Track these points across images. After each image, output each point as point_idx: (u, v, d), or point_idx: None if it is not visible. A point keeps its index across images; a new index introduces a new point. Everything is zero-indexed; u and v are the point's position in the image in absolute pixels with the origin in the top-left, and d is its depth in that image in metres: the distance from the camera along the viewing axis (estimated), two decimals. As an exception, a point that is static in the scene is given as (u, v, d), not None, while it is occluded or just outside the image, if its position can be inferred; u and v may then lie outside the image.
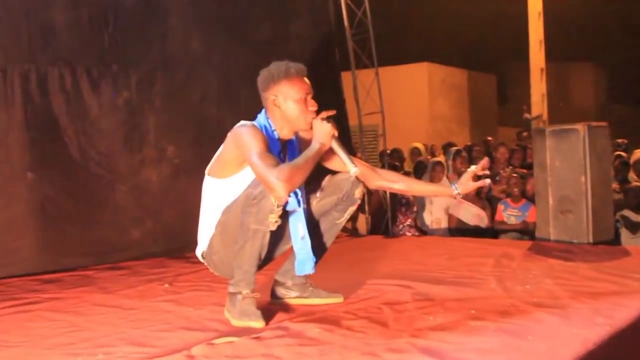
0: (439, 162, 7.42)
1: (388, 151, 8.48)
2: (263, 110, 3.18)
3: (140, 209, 5.37)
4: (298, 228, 3.17)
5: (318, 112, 3.09)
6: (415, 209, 6.90)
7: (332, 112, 3.04)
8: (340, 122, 7.29)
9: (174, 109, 5.60)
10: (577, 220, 5.39)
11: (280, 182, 2.76)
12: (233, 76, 5.97)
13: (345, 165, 3.06)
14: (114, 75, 5.27)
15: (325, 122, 2.99)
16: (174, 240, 5.42)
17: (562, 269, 4.25)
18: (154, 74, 5.50)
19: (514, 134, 14.77)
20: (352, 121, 7.68)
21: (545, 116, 13.42)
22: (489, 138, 11.58)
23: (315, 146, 2.95)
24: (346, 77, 7.71)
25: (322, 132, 2.98)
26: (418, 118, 15.54)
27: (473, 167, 3.21)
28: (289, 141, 3.20)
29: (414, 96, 15.57)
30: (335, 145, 3.01)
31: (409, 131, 14.37)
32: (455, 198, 3.27)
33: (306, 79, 3.13)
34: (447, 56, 17.06)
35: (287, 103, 3.09)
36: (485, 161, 3.24)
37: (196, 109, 5.77)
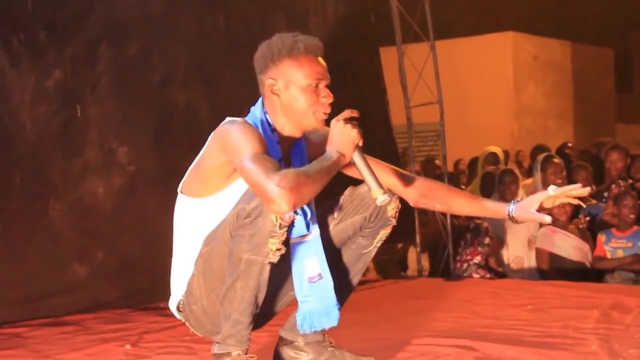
0: (509, 171, 7.47)
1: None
2: (259, 101, 3.28)
3: (85, 235, 5.52)
4: (304, 265, 3.25)
5: (336, 108, 3.16)
6: (487, 240, 6.94)
7: (356, 113, 3.12)
8: (379, 119, 7.45)
9: (125, 94, 5.73)
10: None
11: (282, 190, 2.80)
12: (211, 49, 6.10)
13: (369, 188, 3.12)
14: (41, 47, 5.38)
15: (348, 125, 3.07)
16: (137, 281, 5.57)
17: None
18: (97, 46, 5.62)
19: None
20: (397, 117, 7.76)
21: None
22: (606, 140, 11.52)
23: (332, 155, 3.03)
24: (388, 54, 7.82)
25: (344, 140, 3.06)
26: (498, 111, 15.57)
27: (552, 188, 3.24)
28: (295, 144, 3.30)
29: (493, 80, 15.61)
30: (358, 159, 3.10)
31: (485, 131, 14.39)
32: (512, 221, 3.31)
33: (321, 60, 3.23)
34: (541, 22, 17.07)
35: (290, 91, 3.18)
36: (576, 187, 3.24)
37: (157, 94, 5.89)
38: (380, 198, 3.06)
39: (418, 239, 7.32)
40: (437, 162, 9.76)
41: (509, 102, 15.85)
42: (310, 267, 3.27)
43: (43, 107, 5.39)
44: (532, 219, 3.29)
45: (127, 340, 4.44)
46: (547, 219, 3.24)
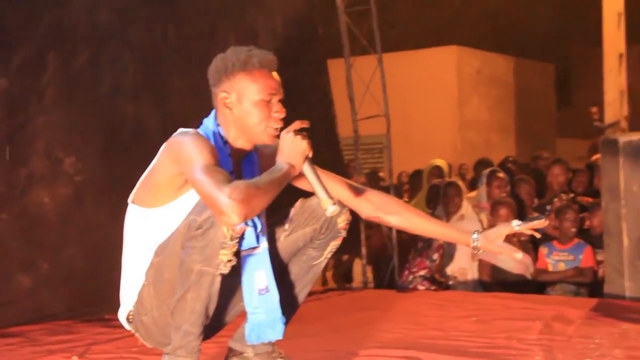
0: (452, 184, 7.57)
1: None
2: (212, 113, 3.30)
3: (30, 246, 5.51)
4: (254, 277, 3.28)
5: (285, 122, 3.20)
6: (436, 257, 7.00)
7: (306, 124, 3.15)
8: (326, 132, 7.53)
9: (73, 104, 5.73)
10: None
11: (233, 202, 2.84)
12: (160, 59, 6.15)
13: (319, 199, 3.16)
14: (-14, 56, 5.41)
15: (298, 137, 3.11)
16: (82, 292, 5.57)
17: (639, 336, 4.44)
18: (44, 55, 5.62)
19: (585, 148, 14.93)
20: (344, 130, 7.82)
21: (624, 123, 13.60)
22: (546, 155, 11.70)
23: (282, 167, 3.06)
24: (336, 67, 7.87)
25: (294, 151, 3.10)
26: (442, 125, 15.73)
27: (516, 223, 3.32)
28: (246, 157, 3.33)
29: (437, 94, 15.77)
30: (308, 170, 3.14)
31: (429, 144, 14.54)
32: (472, 251, 3.39)
33: (275, 75, 3.25)
34: (484, 37, 17.27)
35: (243, 105, 3.21)
36: (539, 223, 3.35)
37: (105, 104, 5.90)
38: (330, 209, 3.10)
39: (364, 251, 7.37)
40: (381, 174, 9.85)
41: (452, 115, 16.02)
42: (260, 280, 3.29)
43: (-14, 116, 5.40)
44: (500, 251, 3.37)
45: (74, 352, 4.42)
46: (519, 255, 3.34)
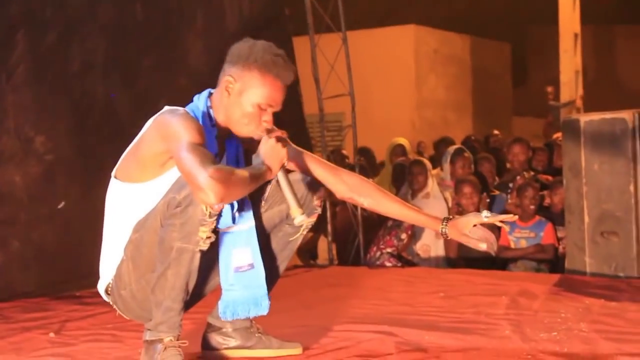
0: (418, 162, 7.63)
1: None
2: (206, 92, 3.36)
3: (1, 224, 5.51)
4: (231, 255, 3.37)
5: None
6: (404, 236, 7.05)
7: (285, 134, 3.25)
8: (292, 110, 7.55)
9: (43, 83, 5.73)
10: (624, 245, 5.71)
11: (213, 181, 2.89)
12: (129, 39, 6.15)
13: (289, 207, 3.23)
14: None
15: (279, 144, 3.19)
16: (53, 270, 5.57)
17: (602, 310, 4.54)
18: (14, 35, 5.62)
19: (540, 126, 15.11)
20: (309, 108, 7.85)
21: (579, 102, 13.82)
22: (496, 132, 11.88)
23: (261, 167, 3.15)
24: (301, 45, 7.90)
25: (273, 156, 3.18)
26: (400, 103, 15.82)
27: (486, 214, 3.41)
28: (229, 140, 3.39)
29: (395, 72, 15.85)
30: (282, 177, 3.24)
31: (387, 122, 14.62)
32: (441, 236, 3.50)
33: (284, 89, 3.31)
34: (442, 17, 17.35)
35: (241, 98, 3.27)
36: (509, 217, 3.46)
37: (75, 83, 5.91)
38: (299, 218, 3.20)
39: (329, 229, 7.42)
40: (344, 152, 9.89)
41: (410, 94, 16.11)
42: (240, 257, 3.39)
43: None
44: (466, 242, 3.44)
45: (49, 329, 4.42)
46: (483, 246, 3.39)
